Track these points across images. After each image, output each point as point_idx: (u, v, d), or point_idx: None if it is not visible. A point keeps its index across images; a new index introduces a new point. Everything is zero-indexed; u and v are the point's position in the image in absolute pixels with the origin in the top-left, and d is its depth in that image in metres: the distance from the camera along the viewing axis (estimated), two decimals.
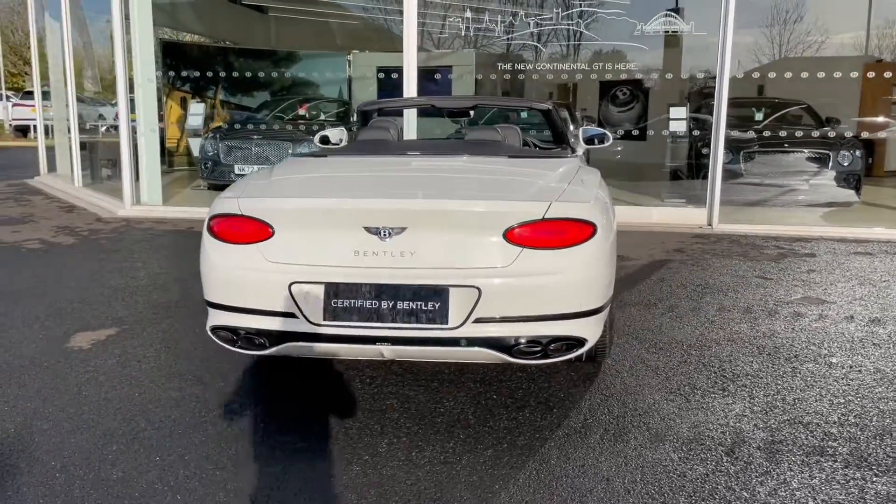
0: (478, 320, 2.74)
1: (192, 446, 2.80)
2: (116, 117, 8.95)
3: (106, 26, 8.60)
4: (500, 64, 10.36)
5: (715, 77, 7.66)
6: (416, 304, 2.75)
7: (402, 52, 8.02)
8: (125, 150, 8.60)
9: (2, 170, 14.04)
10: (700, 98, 10.50)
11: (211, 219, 3.02)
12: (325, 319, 2.78)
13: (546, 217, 2.78)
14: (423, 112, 7.89)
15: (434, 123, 9.56)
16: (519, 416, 3.04)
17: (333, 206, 2.91)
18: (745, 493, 2.46)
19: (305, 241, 2.83)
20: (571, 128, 6.68)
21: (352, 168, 3.63)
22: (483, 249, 2.77)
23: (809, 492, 2.47)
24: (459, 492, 2.48)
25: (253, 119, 11.27)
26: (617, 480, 2.54)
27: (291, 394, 3.32)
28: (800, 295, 4.98)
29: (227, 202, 2.99)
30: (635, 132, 11.15)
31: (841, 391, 3.32)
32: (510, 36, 10.70)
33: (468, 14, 10.66)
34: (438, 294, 2.74)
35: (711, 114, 7.79)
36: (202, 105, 12.40)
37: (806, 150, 9.00)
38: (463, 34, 11.80)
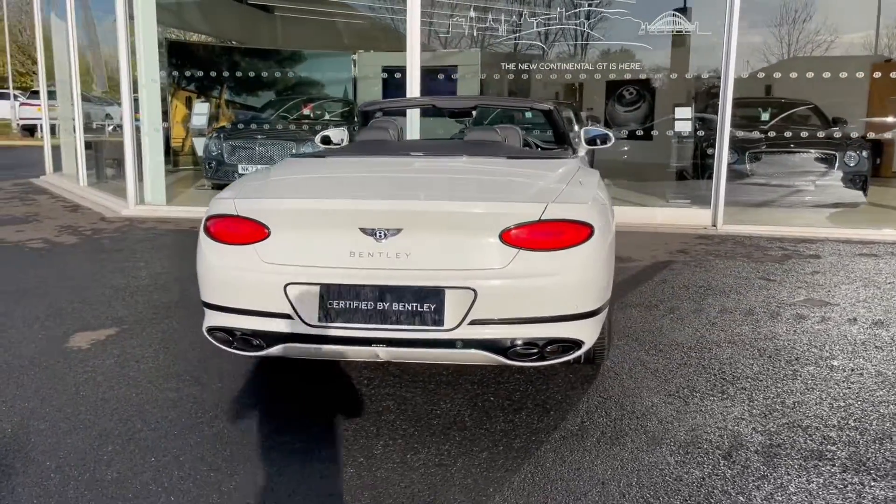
0: (474, 322, 2.73)
1: (188, 447, 2.79)
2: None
3: (113, 26, 8.61)
4: (504, 64, 10.34)
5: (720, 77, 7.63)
6: (412, 306, 2.73)
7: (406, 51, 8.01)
8: (129, 150, 8.62)
9: (8, 169, 14.10)
10: (706, 98, 10.45)
11: (207, 219, 3.01)
12: (320, 321, 2.77)
13: (543, 218, 2.77)
14: (427, 112, 7.87)
15: (438, 123, 9.55)
16: (516, 419, 3.03)
17: (329, 207, 2.90)
18: (741, 498, 2.44)
19: (301, 242, 2.83)
20: (576, 128, 6.66)
21: (349, 169, 3.62)
22: (479, 251, 2.75)
23: (807, 496, 2.45)
24: (453, 494, 2.47)
25: (257, 119, 11.29)
26: (612, 484, 2.53)
27: (289, 395, 3.31)
28: (803, 297, 4.95)
29: (224, 203, 2.99)
30: (639, 132, 11.12)
31: (841, 394, 3.29)
32: (515, 35, 10.69)
33: (472, 14, 10.65)
34: (434, 295, 2.73)
35: (717, 114, 7.75)
36: (206, 104, 12.42)
37: (812, 151, 8.96)
38: (467, 34, 11.78)
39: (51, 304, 4.70)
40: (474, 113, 5.52)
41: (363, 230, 2.76)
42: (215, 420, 3.03)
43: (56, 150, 12.58)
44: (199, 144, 11.02)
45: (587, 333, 2.88)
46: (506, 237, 2.74)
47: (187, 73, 13.06)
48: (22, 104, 25.02)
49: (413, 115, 7.98)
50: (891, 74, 10.25)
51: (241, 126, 10.86)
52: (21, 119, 24.45)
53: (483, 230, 2.76)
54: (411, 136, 7.83)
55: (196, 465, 2.66)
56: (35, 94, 22.51)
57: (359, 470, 2.63)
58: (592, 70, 10.55)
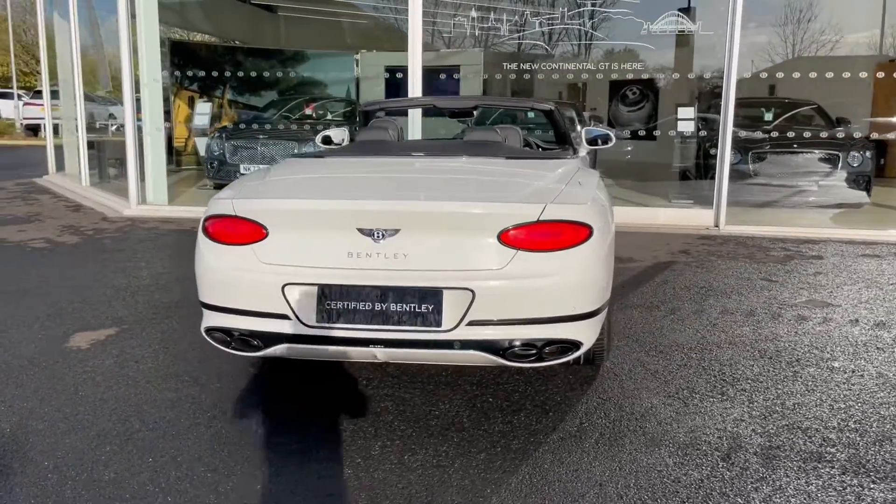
0: (471, 323, 2.72)
1: (186, 448, 2.79)
2: None
3: (116, 25, 8.61)
4: (507, 64, 10.32)
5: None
6: (410, 307, 2.73)
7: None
8: (131, 150, 8.62)
9: (12, 168, 14.13)
10: (710, 98, 10.42)
11: (206, 219, 3.01)
12: (318, 321, 2.77)
13: (541, 219, 2.76)
14: (428, 112, 7.87)
15: (440, 123, 9.54)
16: (514, 420, 3.02)
17: (327, 208, 2.89)
18: (739, 500, 2.43)
19: (299, 243, 2.82)
20: (578, 128, 6.64)
21: (348, 169, 3.62)
22: (477, 251, 2.75)
23: (805, 498, 2.44)
24: (450, 496, 2.46)
25: (259, 118, 11.29)
26: (610, 485, 2.52)
27: (287, 395, 3.31)
28: (805, 298, 4.93)
29: (222, 203, 2.99)
30: (642, 132, 11.09)
31: (842, 396, 3.28)
32: (518, 35, 10.67)
33: (473, 13, 10.63)
34: (432, 296, 2.72)
35: (720, 114, 7.73)
36: (209, 104, 12.42)
37: (815, 151, 8.93)
38: (468, 34, 11.77)
39: (51, 303, 4.70)
40: (475, 113, 5.51)
41: (361, 230, 2.76)
42: (213, 420, 3.02)
43: (59, 149, 12.60)
44: (202, 144, 11.03)
45: (586, 334, 2.87)
46: (504, 238, 2.73)
47: (190, 73, 13.07)
48: (26, 104, 25.07)
49: (415, 116, 7.97)
50: (895, 74, 10.21)
51: (243, 126, 10.87)
52: (25, 119, 24.50)
53: (481, 231, 2.75)
54: (413, 136, 7.82)
55: (193, 466, 2.65)
56: (39, 93, 22.54)
57: (356, 471, 2.62)
58: (595, 70, 10.52)
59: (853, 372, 3.57)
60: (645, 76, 11.45)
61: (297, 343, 2.83)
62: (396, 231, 2.74)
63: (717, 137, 7.77)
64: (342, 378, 3.45)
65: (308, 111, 11.47)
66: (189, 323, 4.26)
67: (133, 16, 8.48)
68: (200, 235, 3.01)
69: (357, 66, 14.04)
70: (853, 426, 2.98)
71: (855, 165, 8.68)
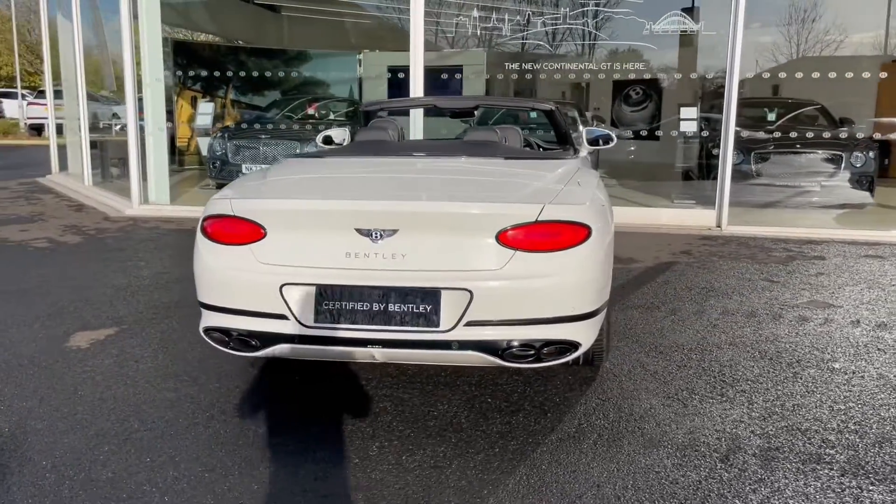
0: (469, 323, 2.72)
1: (184, 448, 2.79)
2: None
3: (119, 25, 8.63)
4: (510, 64, 10.32)
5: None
6: (408, 307, 2.73)
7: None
8: (133, 150, 8.64)
9: (15, 168, 14.17)
10: (713, 98, 10.40)
11: (204, 219, 3.01)
12: (315, 321, 2.76)
13: (539, 219, 2.75)
14: (429, 112, 7.87)
15: (442, 123, 9.54)
16: (512, 420, 3.01)
17: (325, 208, 2.89)
18: (737, 501, 2.42)
19: (297, 243, 2.82)
20: (580, 128, 6.63)
21: (347, 169, 3.61)
22: (475, 252, 2.74)
23: (804, 500, 2.43)
24: (447, 496, 2.46)
25: (262, 118, 11.30)
26: (608, 486, 2.51)
27: (286, 396, 3.31)
28: (806, 298, 4.92)
29: (221, 203, 2.99)
30: (644, 132, 11.08)
31: (842, 397, 3.27)
32: (520, 35, 10.66)
33: (476, 13, 10.62)
34: (430, 296, 2.72)
35: (722, 114, 7.71)
36: (211, 104, 12.44)
37: (818, 151, 8.90)
38: (470, 33, 11.75)
39: (52, 303, 4.71)
40: (476, 113, 5.50)
41: (359, 231, 2.75)
42: (212, 420, 3.02)
43: (62, 149, 12.63)
44: (204, 144, 11.04)
45: (585, 335, 2.86)
46: (502, 238, 2.73)
47: (193, 73, 13.08)
48: (30, 104, 25.13)
49: (416, 116, 7.96)
50: None
51: (245, 126, 10.87)
52: (29, 118, 24.56)
53: (480, 231, 2.75)
54: (414, 136, 7.82)
55: (191, 466, 2.65)
56: (42, 93, 22.59)
57: (354, 471, 2.62)
58: (598, 70, 10.51)
59: (854, 373, 3.56)
60: (648, 76, 11.44)
61: (296, 343, 2.82)
62: (394, 231, 2.74)
63: (719, 137, 7.76)
64: (341, 378, 3.45)
65: (311, 111, 11.47)
66: (189, 323, 4.26)
67: (135, 16, 8.49)
68: (199, 235, 3.01)
69: (360, 66, 14.04)
70: (853, 428, 2.96)
71: (858, 166, 8.65)
